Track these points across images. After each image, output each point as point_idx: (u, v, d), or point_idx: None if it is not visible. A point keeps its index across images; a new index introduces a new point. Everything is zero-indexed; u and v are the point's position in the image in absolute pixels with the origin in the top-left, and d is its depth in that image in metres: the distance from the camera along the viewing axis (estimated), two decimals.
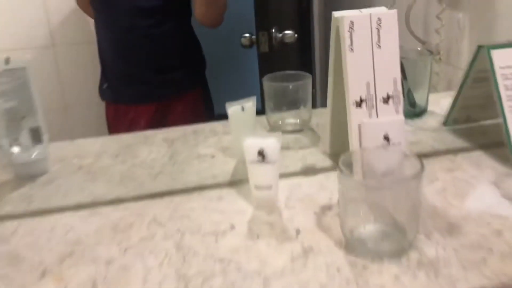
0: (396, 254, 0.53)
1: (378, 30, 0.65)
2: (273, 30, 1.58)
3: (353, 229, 0.55)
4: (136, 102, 1.40)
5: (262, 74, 1.55)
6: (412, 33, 1.15)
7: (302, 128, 0.87)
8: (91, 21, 1.50)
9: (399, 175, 0.60)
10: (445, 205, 0.62)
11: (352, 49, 0.64)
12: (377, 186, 0.53)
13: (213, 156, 0.80)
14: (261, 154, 0.61)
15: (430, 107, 0.92)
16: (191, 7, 1.43)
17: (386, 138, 0.65)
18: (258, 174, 0.62)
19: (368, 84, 0.65)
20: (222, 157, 0.80)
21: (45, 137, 0.77)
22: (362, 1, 1.39)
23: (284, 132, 0.86)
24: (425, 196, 0.64)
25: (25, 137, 0.75)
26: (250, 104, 0.75)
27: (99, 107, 1.51)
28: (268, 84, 0.85)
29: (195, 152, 0.82)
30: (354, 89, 0.64)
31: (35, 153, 0.76)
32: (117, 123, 1.44)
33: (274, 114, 0.87)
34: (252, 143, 0.61)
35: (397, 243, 0.55)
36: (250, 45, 1.61)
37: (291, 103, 0.85)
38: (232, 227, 0.60)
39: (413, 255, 0.53)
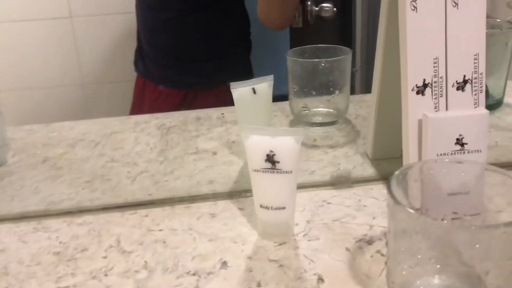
0: None
1: None
2: (309, 2, 1.37)
3: (405, 284, 0.35)
4: (162, 83, 1.24)
5: None
6: None
7: (336, 120, 0.66)
8: None
9: (477, 199, 0.39)
10: None
11: (415, 8, 0.43)
12: (458, 228, 0.32)
13: (214, 153, 0.61)
14: (270, 159, 0.41)
15: (507, 99, 0.70)
16: None
17: (460, 141, 0.44)
18: (266, 188, 0.42)
19: (436, 61, 0.44)
20: (227, 155, 0.60)
21: (1, 118, 0.60)
22: None
23: (312, 124, 0.66)
24: None
25: None
26: (265, 85, 0.55)
27: (118, 84, 1.36)
28: (293, 60, 0.65)
29: (193, 145, 0.63)
30: (416, 67, 0.43)
31: None
32: (141, 100, 1.29)
33: (300, 99, 0.66)
34: (258, 142, 0.42)
35: None
36: None
37: (322, 86, 0.65)
38: (224, 264, 0.41)
39: None
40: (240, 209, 0.49)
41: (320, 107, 0.67)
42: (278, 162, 0.41)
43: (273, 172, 0.42)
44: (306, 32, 1.41)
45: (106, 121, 0.74)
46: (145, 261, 0.42)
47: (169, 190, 0.53)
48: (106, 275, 0.41)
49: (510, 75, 0.71)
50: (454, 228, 0.32)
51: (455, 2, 0.43)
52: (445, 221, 0.37)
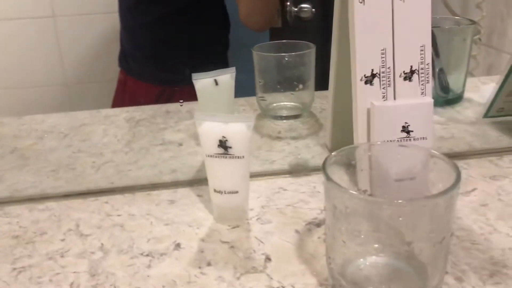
0: None
1: None
2: (288, 3, 1.39)
3: (346, 265, 0.37)
4: (141, 78, 1.26)
5: None
6: (446, 4, 0.94)
7: (301, 113, 0.68)
8: None
9: (422, 184, 0.41)
10: (487, 229, 0.43)
11: (362, 1, 0.45)
12: (391, 204, 0.34)
13: (180, 144, 0.62)
14: (223, 144, 0.43)
15: (467, 94, 0.72)
16: None
17: (406, 129, 0.46)
18: (219, 172, 0.44)
19: (384, 52, 0.46)
20: (192, 146, 0.62)
21: None
22: None
23: (278, 118, 0.68)
24: (458, 216, 0.45)
25: None
26: (227, 77, 0.57)
27: (101, 83, 1.37)
28: (259, 54, 0.66)
29: (160, 137, 0.65)
30: (363, 58, 0.45)
31: None
32: (122, 93, 1.30)
33: (266, 94, 0.68)
34: (211, 128, 0.43)
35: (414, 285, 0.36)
36: None
37: (287, 80, 0.67)
38: (177, 246, 0.43)
39: None
40: (199, 196, 0.50)
41: (285, 101, 0.69)
42: (231, 147, 0.43)
43: (226, 157, 0.43)
44: (285, 32, 1.43)
45: (77, 114, 0.75)
46: (102, 244, 0.43)
47: (131, 179, 0.55)
48: (62, 256, 0.42)
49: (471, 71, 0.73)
50: (382, 203, 0.34)
51: None
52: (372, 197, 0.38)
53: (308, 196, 0.49)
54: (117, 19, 1.29)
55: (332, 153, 0.36)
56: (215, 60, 1.30)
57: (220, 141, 0.43)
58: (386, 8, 0.45)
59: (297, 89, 0.66)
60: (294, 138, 0.62)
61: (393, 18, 0.46)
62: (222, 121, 0.43)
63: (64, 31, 1.60)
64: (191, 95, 1.22)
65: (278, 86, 0.67)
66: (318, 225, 0.44)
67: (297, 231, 0.44)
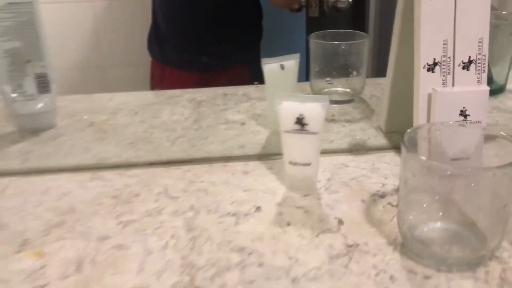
0: (470, 265, 0.40)
1: None
2: None
3: (414, 227, 0.42)
4: (180, 67, 1.31)
5: (308, 41, 1.41)
6: None
7: (353, 99, 0.73)
8: None
9: (476, 164, 0.46)
10: None
11: None
12: (456, 173, 0.39)
13: (243, 123, 0.68)
14: (300, 121, 0.48)
15: (509, 86, 0.77)
16: None
17: (463, 113, 0.51)
18: (295, 146, 0.50)
19: (445, 43, 0.51)
20: (254, 125, 0.67)
21: (53, 86, 0.67)
22: None
23: (331, 102, 0.73)
24: None
25: (29, 84, 0.65)
26: (292, 62, 0.62)
27: (139, 67, 1.43)
28: (316, 42, 0.71)
29: (223, 117, 0.71)
30: (427, 48, 0.50)
31: (41, 103, 0.67)
32: (160, 83, 1.36)
33: (320, 79, 0.73)
34: (289, 107, 0.49)
35: (472, 250, 0.41)
36: (299, 9, 1.47)
37: (341, 67, 0.72)
38: (258, 209, 0.48)
39: (495, 268, 0.40)
40: (269, 168, 0.56)
41: (338, 86, 0.74)
42: (307, 124, 0.48)
43: (302, 132, 0.49)
44: (322, 22, 1.47)
45: (142, 94, 0.81)
46: (191, 205, 0.49)
47: (205, 152, 0.60)
48: (159, 213, 0.48)
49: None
50: (455, 169, 0.39)
51: None
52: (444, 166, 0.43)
53: (369, 172, 0.54)
54: (148, 6, 1.34)
55: (408, 130, 0.42)
56: (249, 47, 1.35)
57: (298, 118, 0.48)
58: (449, 2, 0.50)
59: (350, 75, 0.71)
60: (348, 121, 0.68)
61: (455, 12, 0.50)
62: (299, 101, 0.49)
63: (100, 15, 1.66)
64: (229, 79, 1.28)
65: (334, 72, 0.72)
66: (382, 196, 0.50)
67: (363, 201, 0.49)
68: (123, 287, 0.39)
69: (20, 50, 0.64)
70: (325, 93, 0.74)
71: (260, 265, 0.41)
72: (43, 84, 0.66)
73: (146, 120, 0.70)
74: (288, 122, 0.49)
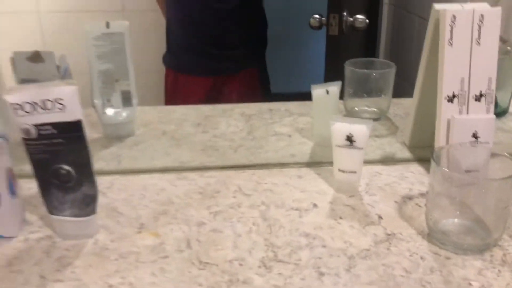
0: (479, 250, 0.54)
1: (480, 27, 0.64)
2: (344, 13, 1.57)
3: (437, 221, 0.57)
4: (195, 73, 1.44)
5: (328, 57, 1.56)
6: None
7: (379, 117, 0.88)
8: None
9: (485, 173, 0.60)
10: None
11: (451, 44, 0.64)
12: (470, 182, 0.53)
13: (289, 136, 0.82)
14: (349, 139, 0.62)
15: (511, 109, 0.91)
16: None
17: (475, 135, 0.65)
18: (344, 158, 0.64)
19: (462, 80, 0.65)
20: (299, 138, 0.82)
21: (135, 100, 0.81)
22: None
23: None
24: None
25: (116, 99, 0.80)
26: (335, 88, 0.76)
27: (158, 75, 1.55)
28: (351, 69, 0.86)
29: (272, 129, 0.85)
30: (448, 83, 0.65)
31: (125, 115, 0.81)
32: (174, 91, 1.48)
33: (352, 99, 0.88)
34: (341, 127, 0.63)
35: (481, 239, 0.55)
36: (319, 27, 1.61)
37: (371, 90, 0.86)
38: (315, 205, 0.63)
39: (497, 253, 0.54)
40: (318, 174, 0.70)
41: (367, 106, 0.89)
42: (355, 141, 0.62)
43: (350, 147, 0.63)
44: (340, 40, 1.61)
45: (198, 108, 0.95)
46: (262, 200, 0.63)
47: (263, 159, 0.75)
48: (239, 207, 0.62)
49: None
50: (470, 179, 0.54)
51: (478, 41, 0.64)
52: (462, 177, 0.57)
53: (398, 179, 0.69)
54: (159, 17, 1.46)
55: (436, 148, 0.56)
56: (256, 52, 1.49)
57: (348, 136, 0.63)
58: (466, 49, 0.65)
59: (378, 97, 0.86)
60: (377, 136, 0.82)
61: (471, 56, 0.65)
62: (349, 122, 0.63)
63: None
64: (240, 82, 1.43)
65: (365, 94, 0.86)
66: (410, 198, 0.64)
67: (396, 202, 0.63)
68: (225, 258, 0.53)
69: (111, 71, 0.78)
70: (356, 112, 0.89)
71: (324, 246, 0.55)
72: (127, 99, 0.80)
73: (208, 130, 0.84)
74: (339, 139, 0.63)
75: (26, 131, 0.51)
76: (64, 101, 0.50)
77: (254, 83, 1.50)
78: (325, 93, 0.76)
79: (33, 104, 0.50)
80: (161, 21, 1.51)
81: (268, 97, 1.53)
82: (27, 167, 0.53)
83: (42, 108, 0.50)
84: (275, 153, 0.77)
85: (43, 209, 0.57)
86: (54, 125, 0.51)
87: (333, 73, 1.45)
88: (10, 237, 0.56)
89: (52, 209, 0.55)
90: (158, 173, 0.71)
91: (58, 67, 0.74)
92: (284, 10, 1.75)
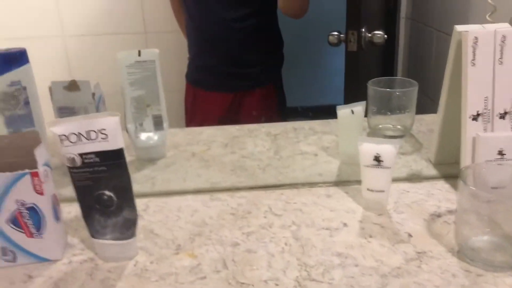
0: (510, 267, 0.55)
1: (502, 47, 0.66)
2: (363, 30, 1.59)
3: (467, 238, 0.58)
4: (214, 89, 1.48)
5: (348, 72, 1.58)
6: None
7: (404, 134, 0.89)
8: None
9: (511, 189, 0.61)
10: None
11: (474, 64, 0.66)
12: (496, 199, 0.55)
13: (315, 155, 0.84)
14: (377, 158, 0.64)
15: None
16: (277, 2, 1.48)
17: (501, 152, 0.66)
18: (373, 177, 0.66)
19: (486, 99, 0.66)
20: (325, 156, 0.84)
21: (166, 124, 0.84)
22: (454, 5, 1.37)
23: (385, 137, 0.89)
24: None
25: (148, 123, 0.83)
26: (360, 108, 0.78)
27: (180, 94, 1.59)
28: (374, 88, 0.88)
29: (298, 148, 0.87)
30: (472, 102, 0.66)
31: (156, 138, 0.84)
32: (194, 107, 1.53)
33: (376, 117, 0.89)
34: (369, 147, 0.65)
35: (510, 256, 0.56)
36: (338, 43, 1.63)
37: (395, 108, 0.88)
38: (344, 224, 0.64)
39: None
40: (346, 192, 0.72)
41: (391, 123, 0.90)
42: (382, 161, 0.64)
43: (378, 167, 0.65)
44: (359, 56, 1.64)
45: (224, 128, 0.98)
46: (292, 221, 0.65)
47: (291, 178, 0.77)
48: (270, 227, 0.64)
49: None
50: (496, 196, 0.55)
51: (500, 61, 0.66)
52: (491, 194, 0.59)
53: (425, 197, 0.70)
54: (180, 37, 1.50)
55: (462, 168, 0.57)
56: (273, 69, 1.53)
57: (375, 156, 0.64)
58: (489, 68, 0.66)
59: (402, 115, 0.87)
60: (402, 153, 0.83)
61: (494, 75, 0.66)
62: (376, 142, 0.65)
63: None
64: (257, 98, 1.46)
65: (388, 113, 0.88)
66: (439, 215, 0.65)
67: (424, 219, 0.65)
68: (260, 277, 0.55)
69: (143, 97, 0.82)
70: (380, 129, 0.90)
71: (356, 265, 0.56)
72: (158, 123, 0.83)
73: (236, 151, 0.87)
74: (367, 159, 0.65)
75: (71, 160, 0.54)
76: (107, 131, 0.53)
77: (270, 100, 1.54)
78: (350, 113, 0.78)
79: (78, 135, 0.53)
80: (182, 42, 1.56)
81: (283, 112, 1.57)
82: (65, 191, 0.56)
83: (86, 138, 0.53)
84: (302, 172, 0.79)
85: (83, 232, 0.60)
86: (98, 153, 0.54)
87: (353, 88, 1.47)
88: (55, 260, 0.59)
89: (94, 233, 0.58)
90: (191, 194, 0.73)
91: (93, 95, 0.77)
92: (303, 28, 1.78)
